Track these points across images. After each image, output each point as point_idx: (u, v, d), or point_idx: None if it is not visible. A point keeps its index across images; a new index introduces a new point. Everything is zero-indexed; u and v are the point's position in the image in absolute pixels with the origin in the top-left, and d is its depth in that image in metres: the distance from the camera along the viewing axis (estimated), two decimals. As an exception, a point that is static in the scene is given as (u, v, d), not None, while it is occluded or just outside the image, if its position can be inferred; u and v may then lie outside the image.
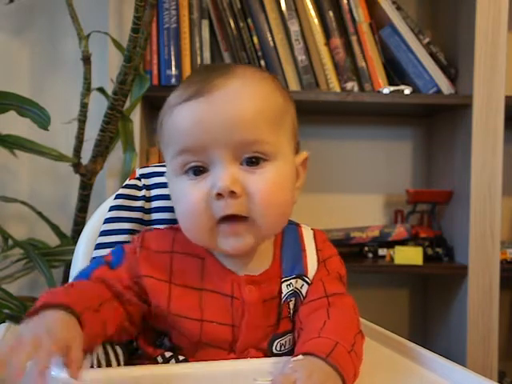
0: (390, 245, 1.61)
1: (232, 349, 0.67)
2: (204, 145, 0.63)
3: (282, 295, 0.68)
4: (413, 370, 0.66)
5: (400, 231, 1.63)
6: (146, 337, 0.70)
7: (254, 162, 0.64)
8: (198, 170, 0.64)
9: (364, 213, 1.80)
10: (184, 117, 0.64)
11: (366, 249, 1.64)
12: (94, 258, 0.77)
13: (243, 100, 0.63)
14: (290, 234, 0.74)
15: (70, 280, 0.74)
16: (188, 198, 0.64)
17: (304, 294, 0.69)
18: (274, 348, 0.67)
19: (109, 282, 0.66)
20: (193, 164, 0.64)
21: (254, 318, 0.66)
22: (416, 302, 1.84)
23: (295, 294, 0.69)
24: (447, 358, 0.66)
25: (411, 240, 1.63)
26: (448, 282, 1.63)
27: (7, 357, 0.48)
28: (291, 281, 0.69)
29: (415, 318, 1.84)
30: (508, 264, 1.59)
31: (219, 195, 0.62)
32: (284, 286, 0.69)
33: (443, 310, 1.67)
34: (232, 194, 0.62)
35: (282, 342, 0.68)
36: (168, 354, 0.68)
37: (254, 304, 0.67)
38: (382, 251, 1.63)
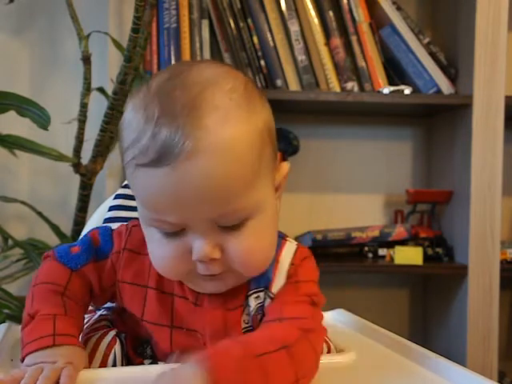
0: (390, 245, 1.61)
1: None
2: (182, 220, 0.57)
3: (251, 309, 0.65)
4: (413, 369, 0.66)
5: (400, 231, 1.63)
6: (131, 342, 0.70)
7: (233, 226, 0.59)
8: (174, 232, 0.59)
9: (364, 213, 1.80)
10: (151, 187, 0.56)
11: (366, 249, 1.64)
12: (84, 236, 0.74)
13: (218, 174, 0.55)
14: None
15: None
16: (165, 254, 0.60)
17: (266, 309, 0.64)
18: None
19: (90, 281, 0.67)
20: (166, 231, 0.59)
21: (215, 326, 0.64)
22: (416, 302, 1.84)
23: (262, 308, 0.65)
24: (447, 357, 0.66)
25: (411, 240, 1.63)
26: (448, 281, 1.63)
27: None
28: (259, 293, 0.65)
29: (415, 318, 1.84)
30: (508, 264, 1.59)
31: (200, 261, 0.59)
32: (252, 298, 0.65)
33: (443, 310, 1.67)
34: (212, 259, 0.58)
35: None
36: (147, 363, 0.68)
37: (214, 312, 0.65)
38: (382, 251, 1.63)
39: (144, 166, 0.56)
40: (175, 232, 0.59)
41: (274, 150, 0.62)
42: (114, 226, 0.80)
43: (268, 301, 0.64)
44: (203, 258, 0.58)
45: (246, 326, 0.65)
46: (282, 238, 0.67)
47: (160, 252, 0.61)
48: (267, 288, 0.65)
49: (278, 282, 0.64)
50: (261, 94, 0.62)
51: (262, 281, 0.65)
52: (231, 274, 0.61)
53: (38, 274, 0.67)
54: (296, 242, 0.68)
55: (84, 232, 0.92)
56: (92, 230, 0.71)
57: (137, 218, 0.81)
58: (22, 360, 0.60)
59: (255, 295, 0.65)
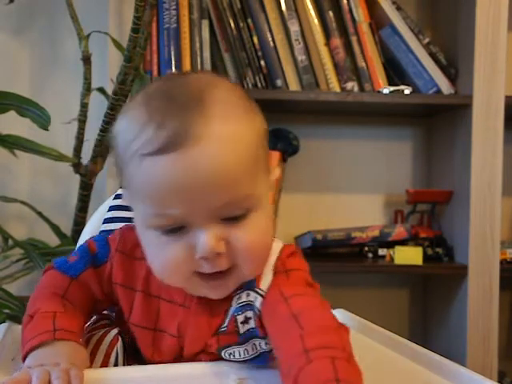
0: (390, 245, 1.61)
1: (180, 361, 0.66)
2: (185, 212, 0.56)
3: (231, 309, 0.64)
4: (413, 370, 0.66)
5: (400, 231, 1.63)
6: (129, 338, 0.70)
7: (236, 216, 0.58)
8: (175, 229, 0.58)
9: (364, 213, 1.80)
10: (159, 178, 0.56)
11: (366, 249, 1.64)
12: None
13: (224, 160, 0.56)
14: None
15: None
16: (166, 255, 0.59)
17: (259, 307, 0.63)
18: (223, 356, 0.64)
19: (91, 288, 0.68)
20: (168, 228, 0.58)
21: (198, 331, 0.65)
22: (416, 302, 1.84)
23: (247, 306, 0.64)
24: (447, 357, 0.66)
25: (411, 240, 1.63)
26: (448, 281, 1.63)
27: None
28: (241, 295, 0.64)
29: (415, 318, 1.84)
30: (508, 264, 1.59)
31: (204, 257, 0.58)
32: (234, 300, 0.64)
33: (443, 309, 1.67)
34: (217, 254, 0.58)
35: (231, 351, 0.64)
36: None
37: (200, 318, 0.65)
38: (381, 251, 1.63)
39: (150, 155, 0.55)
40: (176, 230, 0.58)
41: (267, 152, 0.63)
42: (114, 226, 0.81)
43: (259, 299, 0.63)
44: (208, 254, 0.57)
45: (223, 329, 0.64)
46: None
47: (161, 255, 0.59)
48: (252, 287, 0.64)
49: (266, 278, 0.64)
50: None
51: (245, 283, 0.64)
52: (233, 275, 0.61)
53: (40, 284, 0.68)
54: (282, 241, 0.68)
55: (84, 232, 0.92)
56: (88, 239, 0.72)
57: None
58: (24, 359, 0.60)
59: (238, 296, 0.65)
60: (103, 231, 0.81)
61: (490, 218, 1.50)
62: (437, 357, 0.66)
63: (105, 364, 0.66)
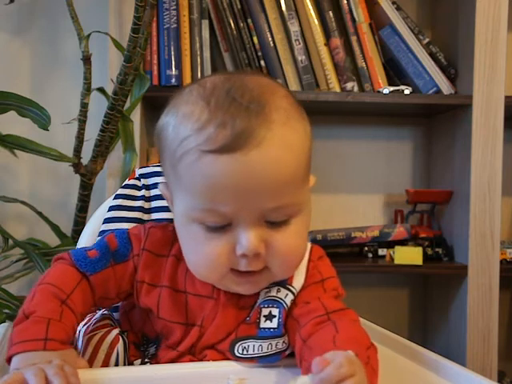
0: (390, 245, 1.61)
1: (190, 351, 0.66)
2: (236, 210, 0.58)
3: (258, 301, 0.66)
4: (413, 370, 0.66)
5: (400, 231, 1.63)
6: (134, 339, 0.70)
7: (279, 221, 0.61)
8: (220, 226, 0.60)
9: (364, 213, 1.80)
10: (218, 175, 0.57)
11: (366, 249, 1.64)
12: (100, 237, 0.74)
13: (283, 165, 0.58)
14: None
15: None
16: (206, 250, 0.61)
17: (288, 304, 0.65)
18: (236, 350, 0.64)
19: (107, 284, 0.67)
20: (214, 225, 0.60)
21: (224, 319, 0.65)
22: (416, 301, 1.84)
23: (275, 302, 0.65)
24: (447, 357, 0.66)
25: (411, 240, 1.63)
26: (448, 281, 1.63)
27: None
28: (270, 288, 0.66)
29: (415, 318, 1.84)
30: (508, 264, 1.59)
31: (243, 255, 0.59)
32: (262, 292, 0.66)
33: (443, 309, 1.67)
34: (257, 254, 0.60)
35: (245, 345, 0.65)
36: (137, 363, 0.68)
37: (228, 306, 0.66)
38: (381, 251, 1.63)
39: (211, 153, 0.57)
40: (220, 227, 0.59)
41: (310, 161, 0.66)
42: (114, 226, 0.81)
43: (290, 296, 0.65)
44: (250, 252, 0.59)
45: (247, 319, 0.66)
46: None
47: (202, 250, 0.61)
48: (284, 284, 0.66)
49: (299, 277, 0.66)
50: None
51: None
52: (266, 275, 0.63)
53: (47, 274, 0.66)
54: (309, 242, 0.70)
55: (84, 232, 0.92)
56: (108, 233, 0.71)
57: (137, 219, 0.81)
58: (8, 360, 0.58)
59: (266, 289, 0.66)
60: (103, 231, 0.81)
61: (489, 218, 1.50)
62: (437, 357, 0.66)
63: (105, 364, 0.66)
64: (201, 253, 0.61)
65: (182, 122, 0.60)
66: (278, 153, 0.58)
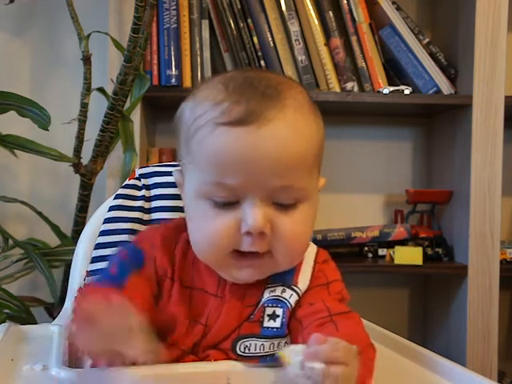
0: (390, 245, 1.61)
1: (193, 350, 0.65)
2: (243, 184, 0.59)
3: (263, 299, 0.66)
4: (413, 370, 0.66)
5: (400, 231, 1.63)
6: None
7: (286, 204, 0.62)
8: (227, 203, 0.61)
9: (364, 213, 1.80)
10: (228, 147, 0.59)
11: (366, 249, 1.64)
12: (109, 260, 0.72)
13: (292, 144, 0.60)
14: None
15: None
16: (211, 227, 0.61)
17: (293, 305, 0.65)
18: (237, 349, 0.64)
19: (143, 291, 0.65)
20: (223, 200, 0.61)
21: (229, 318, 0.65)
22: (416, 302, 1.84)
23: (279, 302, 0.65)
24: (447, 357, 0.66)
25: (411, 240, 1.63)
26: (448, 281, 1.63)
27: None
28: (275, 287, 0.66)
29: (415, 318, 1.84)
30: (508, 264, 1.59)
31: (248, 233, 0.60)
32: (267, 291, 0.66)
33: (443, 309, 1.67)
34: (261, 234, 0.60)
35: (247, 343, 0.65)
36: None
37: (234, 304, 0.65)
38: (381, 251, 1.63)
39: (226, 125, 0.59)
40: (227, 203, 0.60)
41: (321, 160, 0.69)
42: (114, 226, 0.81)
43: (295, 296, 0.65)
44: (255, 229, 0.59)
45: (251, 317, 0.66)
46: None
47: (207, 226, 0.61)
48: (290, 284, 0.66)
49: (304, 278, 0.67)
50: None
51: (281, 277, 0.66)
52: (268, 261, 0.62)
53: (79, 306, 0.59)
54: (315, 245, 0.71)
55: (84, 232, 0.92)
56: (116, 250, 0.70)
57: (137, 219, 0.81)
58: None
59: (271, 288, 0.66)
60: (103, 231, 0.81)
61: (489, 218, 1.50)
62: (437, 357, 0.66)
63: (105, 363, 0.66)
64: (206, 229, 0.61)
65: (199, 103, 0.62)
66: (288, 132, 0.60)
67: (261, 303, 0.66)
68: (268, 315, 0.65)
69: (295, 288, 0.66)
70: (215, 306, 0.66)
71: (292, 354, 0.52)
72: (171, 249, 0.68)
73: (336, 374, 0.50)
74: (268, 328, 0.65)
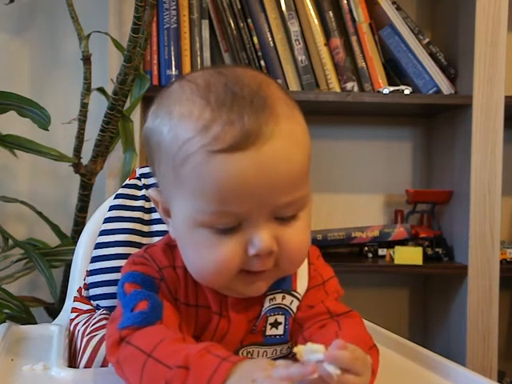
0: (390, 245, 1.61)
1: None
2: (245, 208, 0.55)
3: (263, 309, 0.64)
4: (413, 370, 0.66)
5: (400, 231, 1.63)
6: None
7: (288, 216, 0.58)
8: (230, 228, 0.56)
9: (364, 213, 1.80)
10: (228, 175, 0.54)
11: (366, 249, 1.64)
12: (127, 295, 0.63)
13: (292, 158, 0.56)
14: None
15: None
16: (216, 256, 0.56)
17: (294, 310, 0.64)
18: (240, 355, 0.63)
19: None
20: (224, 227, 0.56)
21: (236, 336, 0.63)
22: (416, 301, 1.84)
23: (280, 309, 0.64)
24: (447, 357, 0.66)
25: (411, 240, 1.63)
26: (448, 282, 1.63)
27: None
28: (275, 295, 0.64)
29: (415, 318, 1.84)
30: (508, 264, 1.59)
31: (257, 255, 0.56)
32: (267, 300, 0.64)
33: (443, 309, 1.67)
34: (269, 253, 0.57)
35: (250, 350, 0.64)
36: None
37: (239, 322, 0.63)
38: (381, 251, 1.63)
39: (222, 152, 0.53)
40: (230, 228, 0.56)
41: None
42: (114, 225, 0.80)
43: (295, 302, 0.64)
44: (264, 251, 0.56)
45: (253, 329, 0.64)
46: None
47: (211, 254, 0.57)
48: (289, 290, 0.65)
49: (302, 282, 0.66)
50: None
51: (279, 284, 0.64)
52: (274, 272, 0.60)
53: (124, 360, 0.56)
54: None
55: (84, 232, 0.92)
56: (121, 287, 0.63)
57: (137, 219, 0.81)
58: None
59: (271, 296, 0.65)
60: (103, 230, 0.81)
61: (489, 218, 1.50)
62: (437, 357, 0.66)
63: (105, 364, 0.66)
64: (209, 258, 0.57)
65: (179, 123, 0.56)
66: (288, 147, 0.56)
67: (262, 313, 0.64)
68: (270, 324, 0.64)
69: (295, 294, 0.65)
70: (221, 326, 0.63)
71: (308, 351, 0.51)
72: (172, 268, 0.64)
73: (349, 383, 0.49)
74: (271, 336, 0.64)
